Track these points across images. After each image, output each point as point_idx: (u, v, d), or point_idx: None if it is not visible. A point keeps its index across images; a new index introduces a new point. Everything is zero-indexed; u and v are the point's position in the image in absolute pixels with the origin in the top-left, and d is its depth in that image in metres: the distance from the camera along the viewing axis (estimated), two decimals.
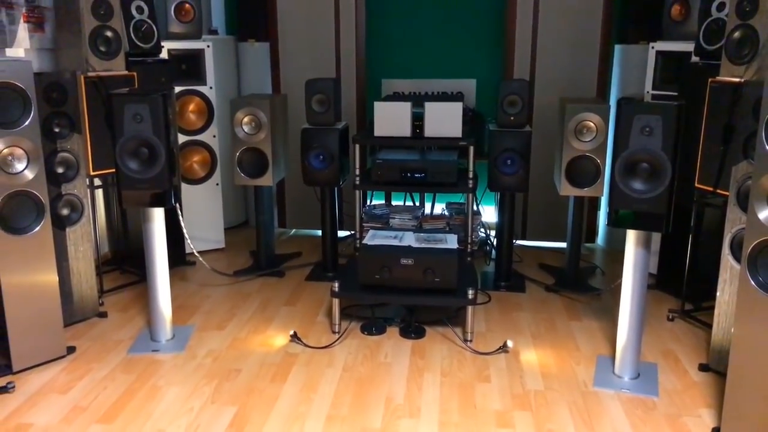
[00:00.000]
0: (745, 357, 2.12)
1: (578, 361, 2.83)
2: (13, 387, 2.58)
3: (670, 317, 3.23)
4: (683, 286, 3.24)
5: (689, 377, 2.70)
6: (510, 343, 2.93)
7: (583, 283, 3.64)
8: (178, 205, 3.07)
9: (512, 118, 3.42)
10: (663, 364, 2.81)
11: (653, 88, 3.61)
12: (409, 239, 3.15)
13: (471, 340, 2.99)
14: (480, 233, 4.16)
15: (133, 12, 3.56)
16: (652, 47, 3.59)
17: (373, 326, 3.10)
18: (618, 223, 2.47)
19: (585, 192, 3.36)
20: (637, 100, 2.39)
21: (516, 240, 4.33)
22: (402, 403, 2.51)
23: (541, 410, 2.46)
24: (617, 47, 4.17)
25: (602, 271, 3.91)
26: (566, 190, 3.39)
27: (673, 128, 2.32)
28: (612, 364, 2.73)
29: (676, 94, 3.33)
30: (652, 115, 2.33)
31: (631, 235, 2.53)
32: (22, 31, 3.28)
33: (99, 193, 3.88)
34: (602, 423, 2.37)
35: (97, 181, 3.51)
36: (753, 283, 2.06)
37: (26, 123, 2.57)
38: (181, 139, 3.95)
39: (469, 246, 3.63)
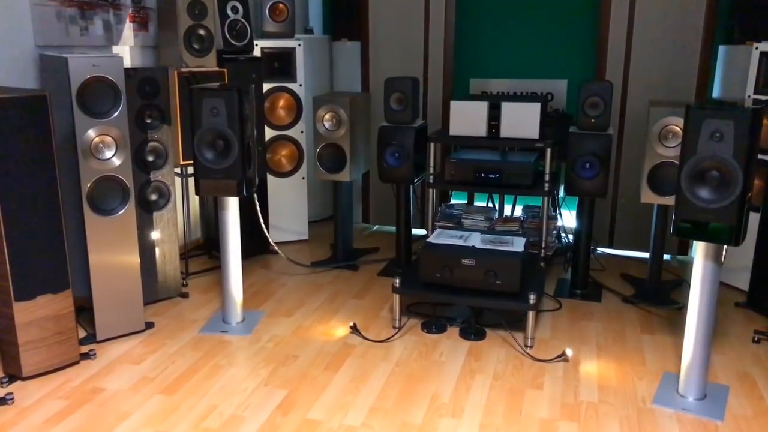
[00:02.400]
0: None
1: (641, 376, 2.70)
2: (95, 354, 2.83)
3: (756, 339, 3.00)
4: None
5: (764, 403, 2.50)
6: (569, 352, 2.84)
7: (665, 297, 3.44)
8: (256, 196, 3.23)
9: (593, 120, 3.30)
10: (737, 387, 2.61)
11: (755, 92, 3.35)
12: (475, 240, 3.12)
13: (531, 346, 2.92)
14: (562, 239, 4.04)
15: (229, 12, 3.77)
16: (756, 48, 3.34)
17: (433, 325, 3.11)
18: (684, 233, 2.33)
19: (667, 200, 3.19)
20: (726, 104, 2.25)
21: (599, 248, 4.18)
22: (447, 402, 2.50)
23: (589, 422, 2.37)
24: (721, 48, 3.90)
25: (689, 284, 3.67)
26: (647, 197, 3.23)
27: (746, 135, 2.16)
28: (678, 383, 2.58)
29: None
30: (722, 120, 2.18)
31: (700, 247, 2.38)
32: (128, 30, 3.57)
33: (192, 182, 4.13)
34: None
35: (191, 170, 3.75)
36: None
37: (116, 114, 2.80)
38: (270, 133, 4.14)
39: (543, 251, 3.54)
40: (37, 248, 2.55)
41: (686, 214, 2.29)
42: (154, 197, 3.26)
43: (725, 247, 2.36)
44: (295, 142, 4.22)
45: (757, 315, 3.25)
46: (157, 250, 3.33)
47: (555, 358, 2.83)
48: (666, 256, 4.05)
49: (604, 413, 2.43)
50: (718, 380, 2.67)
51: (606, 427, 2.35)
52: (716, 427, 2.34)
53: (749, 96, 3.36)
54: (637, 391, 2.58)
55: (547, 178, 3.43)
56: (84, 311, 3.04)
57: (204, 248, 4.24)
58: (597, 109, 3.30)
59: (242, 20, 3.83)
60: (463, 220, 3.74)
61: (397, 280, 3.05)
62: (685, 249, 4.12)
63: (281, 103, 4.15)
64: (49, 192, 2.55)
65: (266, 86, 4.05)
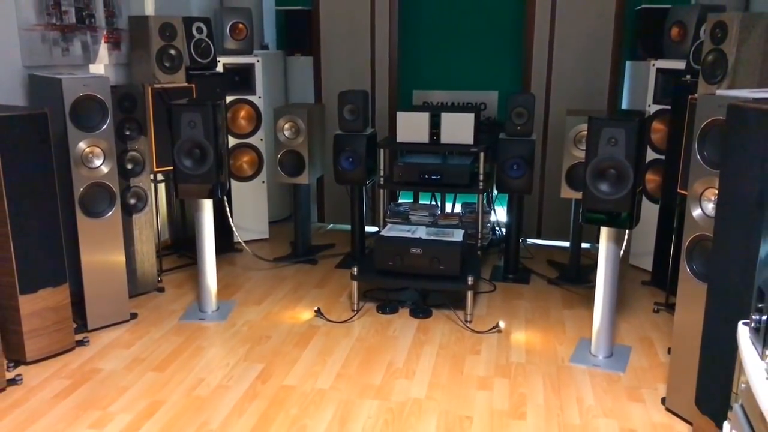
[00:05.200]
0: (684, 336, 2.49)
1: (562, 341, 3.23)
2: (88, 341, 3.18)
3: (656, 309, 3.58)
4: (668, 281, 3.58)
5: (657, 359, 3.06)
6: (502, 324, 3.36)
7: (584, 278, 4.01)
8: (225, 198, 3.62)
9: (519, 127, 3.84)
10: (638, 347, 3.17)
11: (653, 102, 3.95)
12: (421, 233, 3.61)
13: (470, 321, 3.42)
14: (496, 232, 4.57)
15: (194, 32, 4.15)
16: (653, 65, 3.94)
17: (387, 307, 3.57)
18: (590, 220, 2.87)
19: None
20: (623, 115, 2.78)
21: (528, 239, 4.74)
22: (401, 367, 2.97)
23: (518, 378, 2.88)
24: (628, 63, 4.52)
25: None
26: (566, 193, 3.78)
27: (634, 140, 2.71)
28: (591, 345, 3.12)
29: (669, 107, 3.69)
30: (616, 128, 2.73)
31: (604, 232, 2.93)
32: (103, 49, 3.91)
33: (162, 188, 4.49)
34: (568, 390, 2.78)
35: (159, 177, 4.11)
36: (689, 271, 2.44)
37: (104, 127, 3.16)
38: (233, 141, 4.53)
39: (479, 241, 4.06)
40: (38, 247, 2.89)
41: (591, 205, 2.83)
42: (133, 201, 3.62)
43: (627, 231, 2.91)
44: (255, 149, 4.62)
45: (659, 290, 3.85)
46: (137, 249, 3.68)
47: (490, 329, 3.34)
48: (587, 245, 4.63)
49: (530, 371, 2.95)
50: (623, 342, 3.22)
51: (532, 381, 2.86)
52: (619, 377, 2.89)
53: (649, 106, 3.96)
54: (557, 353, 3.11)
55: (481, 178, 3.95)
56: (72, 305, 3.36)
57: (172, 248, 4.59)
58: (522, 118, 3.83)
59: (206, 39, 4.21)
60: (410, 216, 4.22)
61: (355, 269, 3.50)
62: None
63: (242, 113, 4.55)
64: (49, 197, 2.90)
65: (228, 98, 4.44)
